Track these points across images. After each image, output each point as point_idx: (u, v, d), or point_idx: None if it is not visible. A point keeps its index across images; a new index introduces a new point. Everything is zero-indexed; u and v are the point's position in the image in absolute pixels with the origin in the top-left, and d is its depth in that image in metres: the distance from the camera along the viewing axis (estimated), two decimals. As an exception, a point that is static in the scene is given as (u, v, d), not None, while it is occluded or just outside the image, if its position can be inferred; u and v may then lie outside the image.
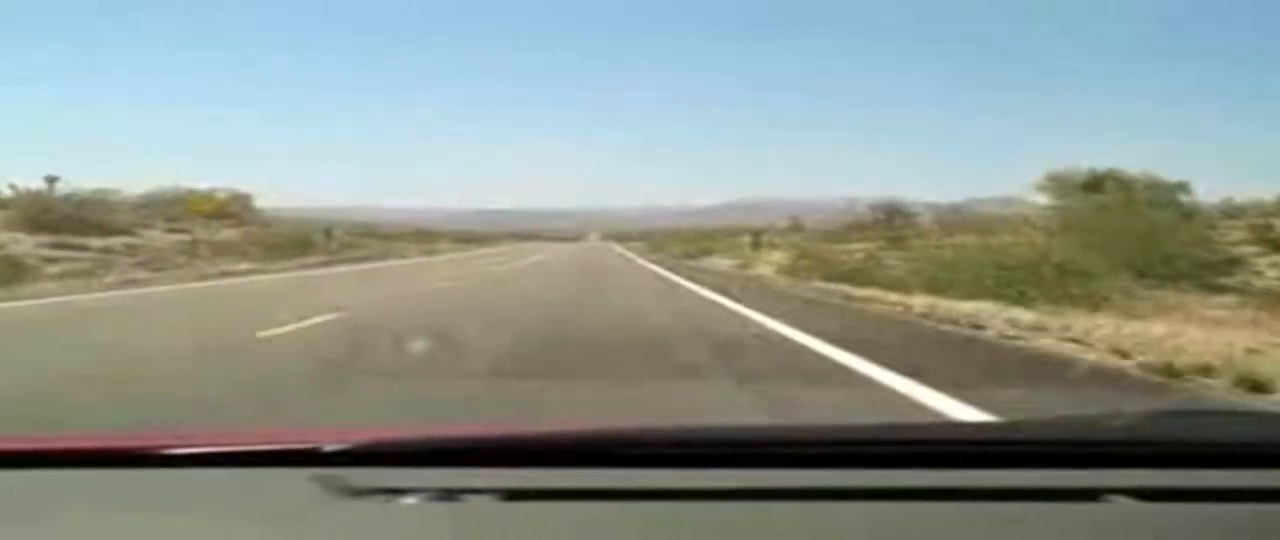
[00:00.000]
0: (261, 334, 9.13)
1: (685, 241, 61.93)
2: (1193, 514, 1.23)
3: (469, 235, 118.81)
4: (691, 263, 36.72)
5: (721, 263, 33.89)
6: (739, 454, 1.43)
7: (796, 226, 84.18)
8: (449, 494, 1.21)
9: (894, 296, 14.46)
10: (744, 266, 29.92)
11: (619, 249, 64.87)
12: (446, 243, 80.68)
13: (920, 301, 13.22)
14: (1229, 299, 18.52)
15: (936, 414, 5.01)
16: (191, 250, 31.00)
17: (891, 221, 59.84)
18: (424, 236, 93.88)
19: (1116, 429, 1.55)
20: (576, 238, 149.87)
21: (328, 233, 41.83)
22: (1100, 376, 6.88)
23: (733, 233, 71.17)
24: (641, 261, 36.01)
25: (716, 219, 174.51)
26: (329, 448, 1.36)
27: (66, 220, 29.63)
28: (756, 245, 35.76)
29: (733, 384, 6.36)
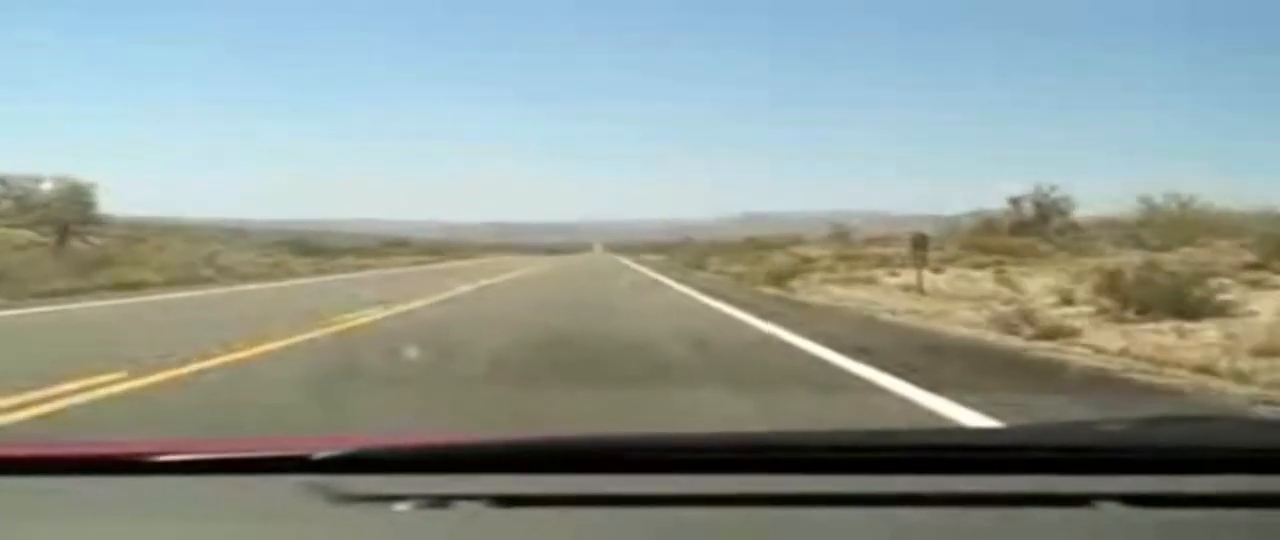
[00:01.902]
0: None
1: (731, 256, 40.21)
2: (1182, 519, 1.21)
3: (444, 246, 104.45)
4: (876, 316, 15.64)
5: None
6: (730, 460, 1.40)
7: (841, 235, 64.45)
8: (440, 500, 1.20)
9: None
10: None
11: (639, 269, 38.24)
12: (391, 255, 62.21)
13: None
14: None
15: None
16: None
17: (1046, 221, 39.45)
18: (395, 247, 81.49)
19: (1107, 434, 1.55)
20: (577, 250, 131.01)
21: (62, 235, 22.04)
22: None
23: (762, 246, 50.74)
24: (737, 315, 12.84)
25: (721, 232, 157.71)
26: (321, 455, 1.33)
27: None
28: (922, 256, 16.84)
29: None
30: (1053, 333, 9.54)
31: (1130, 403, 5.92)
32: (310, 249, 48.68)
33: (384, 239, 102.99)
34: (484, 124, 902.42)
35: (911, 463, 1.36)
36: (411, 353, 8.09)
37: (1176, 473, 1.30)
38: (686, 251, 61.51)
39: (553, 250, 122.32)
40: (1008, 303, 12.95)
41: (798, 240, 65.61)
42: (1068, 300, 14.06)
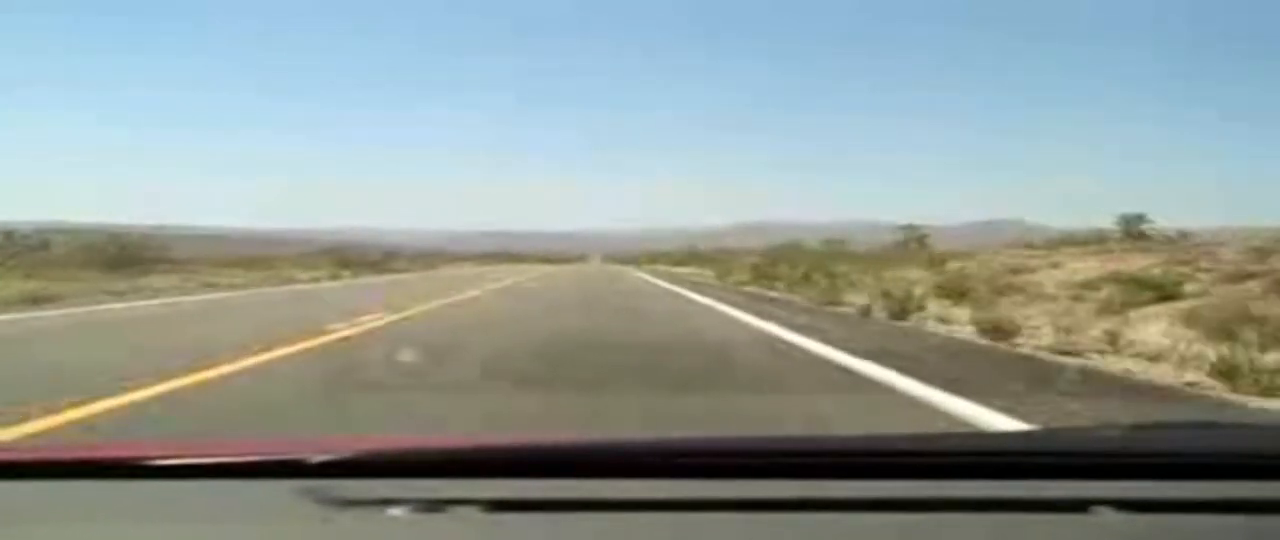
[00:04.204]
0: None
1: (838, 271, 25.76)
2: (1176, 525, 1.20)
3: (431, 254, 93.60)
4: None
5: None
6: (728, 465, 1.38)
7: (918, 239, 50.99)
8: (435, 505, 1.19)
9: None
10: None
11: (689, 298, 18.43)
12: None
13: None
14: None
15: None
16: None
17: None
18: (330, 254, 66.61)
19: (1103, 440, 1.54)
20: (573, 259, 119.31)
21: None
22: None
23: (840, 257, 37.11)
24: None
25: (723, 242, 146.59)
26: (316, 459, 1.32)
27: None
28: None
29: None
30: None
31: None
32: (127, 260, 34.47)
33: (366, 248, 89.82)
34: (484, 130, 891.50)
35: (910, 468, 1.35)
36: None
37: (1173, 478, 1.30)
38: (699, 258, 47.14)
39: (547, 259, 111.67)
40: None
41: (842, 246, 52.12)
42: None
